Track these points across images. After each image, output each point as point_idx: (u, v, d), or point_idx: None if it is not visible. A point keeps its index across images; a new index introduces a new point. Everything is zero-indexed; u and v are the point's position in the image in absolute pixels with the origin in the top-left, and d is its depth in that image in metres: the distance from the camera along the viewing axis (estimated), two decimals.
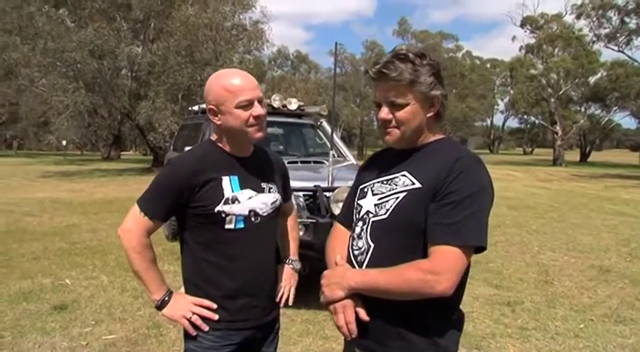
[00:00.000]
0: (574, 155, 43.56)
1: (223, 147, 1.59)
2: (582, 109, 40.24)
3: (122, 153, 38.35)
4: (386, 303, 1.26)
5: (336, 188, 3.99)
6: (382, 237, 1.32)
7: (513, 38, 37.30)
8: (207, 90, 1.53)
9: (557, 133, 34.46)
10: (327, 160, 5.05)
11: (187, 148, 5.17)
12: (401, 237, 1.29)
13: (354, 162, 5.89)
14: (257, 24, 22.93)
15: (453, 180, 1.23)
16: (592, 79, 36.09)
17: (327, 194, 4.02)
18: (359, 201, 1.43)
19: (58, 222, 7.96)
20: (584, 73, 33.34)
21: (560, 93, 34.31)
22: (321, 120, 6.48)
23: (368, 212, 1.37)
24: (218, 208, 1.51)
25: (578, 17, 30.19)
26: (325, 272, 1.38)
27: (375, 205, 1.35)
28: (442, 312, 1.30)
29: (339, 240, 1.47)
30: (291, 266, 1.80)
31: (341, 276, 1.32)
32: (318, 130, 6.48)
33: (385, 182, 1.37)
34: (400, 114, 1.31)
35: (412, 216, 1.27)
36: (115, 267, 5.24)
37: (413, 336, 1.28)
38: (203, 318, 1.54)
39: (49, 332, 3.50)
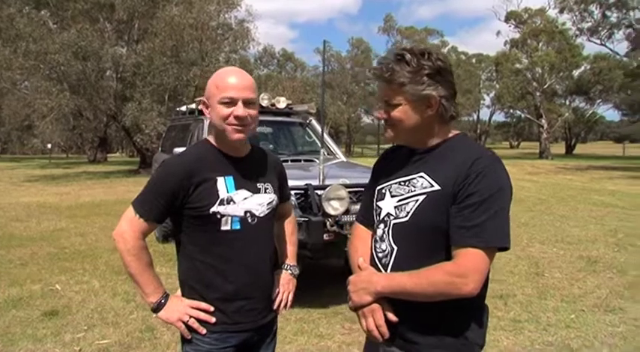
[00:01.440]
0: (560, 148, 44.07)
1: (218, 147, 1.58)
2: (567, 102, 40.69)
3: (108, 155, 37.92)
4: (413, 304, 1.28)
5: (328, 186, 3.99)
6: (404, 239, 1.34)
7: (498, 33, 37.64)
8: (207, 85, 1.56)
9: (542, 126, 34.82)
10: (317, 158, 5.05)
11: (176, 149, 5.14)
12: (423, 240, 1.31)
13: (344, 160, 5.90)
14: (242, 23, 22.85)
15: (472, 182, 1.24)
16: (576, 73, 36.57)
17: (319, 192, 4.01)
18: (378, 203, 1.44)
19: (45, 227, 7.87)
20: (568, 66, 33.73)
21: (545, 86, 34.67)
22: (310, 118, 6.48)
23: (388, 214, 1.38)
24: (213, 209, 1.50)
25: (561, 11, 30.49)
26: (351, 278, 1.39)
27: (395, 207, 1.37)
28: (468, 309, 1.33)
29: (361, 241, 1.50)
30: (289, 272, 1.78)
31: (367, 281, 1.33)
32: (307, 129, 6.47)
33: (403, 183, 1.37)
34: (394, 113, 1.33)
35: (433, 218, 1.28)
36: (105, 271, 5.19)
37: (442, 333, 1.31)
38: (200, 321, 1.53)
39: (40, 339, 3.46)
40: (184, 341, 1.57)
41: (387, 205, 1.39)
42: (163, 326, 3.70)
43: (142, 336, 3.51)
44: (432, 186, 1.30)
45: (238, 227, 1.52)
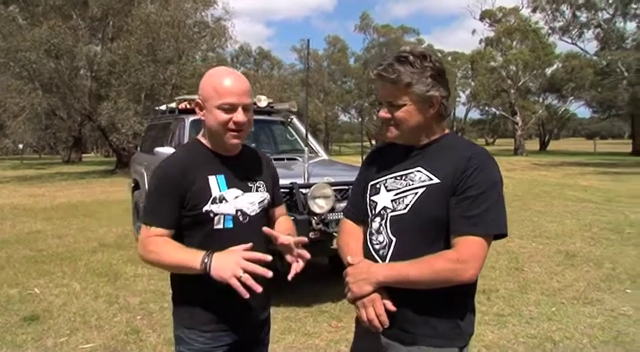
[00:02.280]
0: (534, 144, 44.99)
1: (209, 146, 1.57)
2: (540, 100, 41.58)
3: (83, 155, 37.15)
4: (410, 293, 1.33)
5: (313, 184, 3.99)
6: (403, 231, 1.38)
7: (473, 31, 38.28)
8: (200, 84, 1.54)
9: (517, 123, 35.50)
10: (299, 157, 5.06)
11: (157, 149, 5.06)
12: (422, 230, 1.36)
13: (326, 158, 5.91)
14: (219, 21, 22.61)
15: (470, 175, 1.32)
16: (549, 71, 37.36)
17: (304, 191, 4.01)
18: (372, 198, 1.47)
19: (20, 229, 7.66)
20: (541, 64, 34.50)
21: (520, 84, 35.38)
22: (292, 116, 6.46)
23: (385, 207, 1.42)
24: (206, 208, 1.49)
25: (534, 11, 31.15)
26: (348, 270, 1.41)
27: (392, 201, 1.41)
28: (461, 298, 1.39)
29: (351, 236, 1.53)
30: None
31: (366, 272, 1.36)
32: (289, 127, 6.46)
33: (399, 178, 1.42)
34: (398, 113, 1.37)
35: (433, 210, 1.34)
36: (85, 273, 5.08)
37: (437, 321, 1.36)
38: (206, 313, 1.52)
39: (20, 345, 3.37)
40: (178, 341, 1.57)
41: (383, 199, 1.43)
42: (149, 327, 3.67)
43: (127, 339, 3.46)
44: (432, 179, 1.36)
45: (231, 225, 1.52)
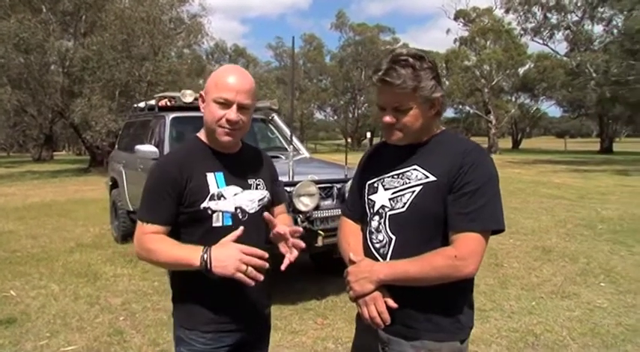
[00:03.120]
0: (507, 143, 45.89)
1: (208, 144, 1.56)
2: (513, 99, 42.41)
3: (54, 153, 36.19)
4: (411, 290, 1.34)
5: (297, 182, 3.99)
6: (402, 229, 1.39)
7: (448, 31, 38.64)
8: (208, 79, 1.55)
9: (491, 122, 36.12)
10: (282, 155, 5.04)
11: (138, 146, 4.97)
12: (421, 228, 1.37)
13: (308, 156, 5.91)
14: (195, 17, 22.31)
15: (467, 172, 1.34)
16: (521, 70, 38.11)
17: (289, 189, 4.00)
18: (370, 197, 1.48)
19: None
20: (514, 64, 35.15)
21: (493, 83, 35.98)
22: (273, 114, 6.43)
23: (383, 206, 1.43)
24: (204, 205, 1.48)
25: (506, 11, 31.64)
26: (350, 269, 1.41)
27: (390, 199, 1.42)
28: (461, 293, 1.42)
29: (352, 234, 1.54)
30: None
31: (368, 271, 1.37)
32: (270, 125, 6.43)
33: (396, 176, 1.43)
34: (405, 119, 1.37)
35: (431, 207, 1.36)
36: (64, 274, 4.97)
37: (437, 317, 1.38)
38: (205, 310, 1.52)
39: None
40: (178, 342, 1.55)
41: (381, 198, 1.45)
42: (132, 328, 3.61)
43: (110, 340, 3.40)
44: (427, 177, 1.37)
45: (230, 223, 1.51)
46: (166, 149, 4.93)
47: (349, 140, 48.64)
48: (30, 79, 17.84)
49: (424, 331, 1.38)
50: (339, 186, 4.28)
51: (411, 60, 1.32)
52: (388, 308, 1.36)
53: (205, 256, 1.37)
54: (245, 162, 1.61)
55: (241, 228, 1.38)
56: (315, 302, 4.19)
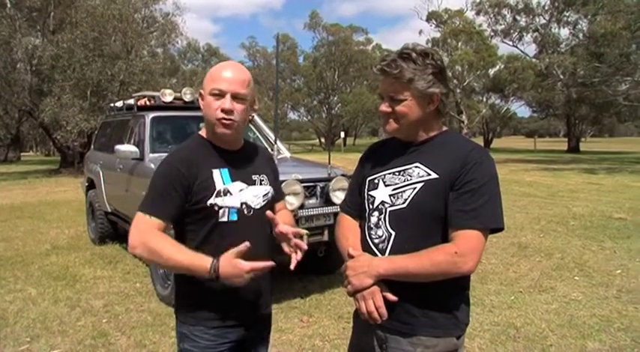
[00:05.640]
0: (478, 142, 46.57)
1: (211, 140, 1.57)
2: (484, 99, 43.26)
3: (22, 154, 35.07)
4: (408, 286, 1.36)
5: (283, 181, 4.00)
6: (402, 225, 1.41)
7: (420, 32, 39.03)
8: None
9: (463, 122, 36.80)
10: None
11: (117, 146, 4.88)
12: (420, 224, 1.39)
13: (288, 156, 5.92)
14: (169, 16, 22.00)
15: (468, 171, 1.36)
16: (492, 71, 38.92)
17: None
18: (370, 192, 1.50)
19: None
20: (485, 65, 35.87)
21: (465, 84, 36.64)
22: (252, 114, 6.42)
23: (383, 202, 1.45)
24: (211, 201, 1.49)
25: (477, 13, 32.24)
26: (349, 263, 1.41)
27: (390, 195, 1.43)
28: (458, 290, 1.44)
29: (350, 230, 1.54)
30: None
31: (367, 265, 1.37)
32: (251, 125, 6.41)
33: (397, 173, 1.45)
34: (399, 107, 1.41)
35: (431, 204, 1.38)
36: (40, 277, 4.85)
37: (434, 313, 1.40)
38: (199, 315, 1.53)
39: None
40: (182, 338, 1.55)
41: (382, 194, 1.46)
42: (117, 330, 3.56)
43: (94, 343, 3.34)
44: (429, 174, 1.40)
45: (235, 218, 1.52)
46: (147, 149, 4.87)
47: (323, 140, 48.76)
48: None
49: (421, 327, 1.39)
50: (322, 185, 4.31)
51: (414, 54, 1.37)
52: (386, 303, 1.36)
53: (213, 272, 1.36)
54: (248, 158, 1.63)
55: (246, 243, 1.36)
56: (300, 300, 4.22)
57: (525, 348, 3.24)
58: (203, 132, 1.60)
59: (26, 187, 14.09)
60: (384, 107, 1.43)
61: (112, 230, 6.09)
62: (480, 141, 48.23)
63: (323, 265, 4.63)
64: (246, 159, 1.61)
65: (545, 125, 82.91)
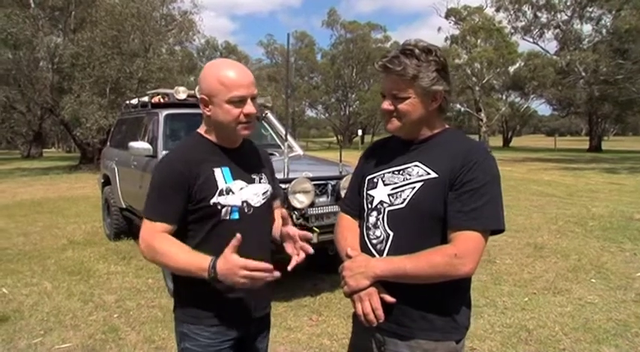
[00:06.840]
0: (497, 141, 46.22)
1: (211, 139, 1.56)
2: (504, 97, 42.68)
3: (44, 150, 35.80)
4: (406, 288, 1.32)
5: (292, 179, 4.00)
6: (400, 225, 1.37)
7: (439, 29, 38.99)
8: (201, 79, 1.51)
9: (482, 120, 36.36)
10: (276, 152, 5.03)
11: (131, 143, 4.94)
12: (419, 225, 1.35)
13: (301, 153, 5.91)
14: (186, 14, 22.19)
15: (469, 170, 1.32)
16: (512, 69, 38.36)
17: (284, 186, 4.01)
18: (369, 192, 1.46)
19: None
20: (505, 62, 35.35)
21: (484, 81, 36.19)
22: (266, 111, 6.42)
23: (382, 202, 1.42)
24: (213, 200, 1.48)
25: (497, 10, 31.85)
26: (346, 264, 1.39)
27: (389, 195, 1.40)
28: (457, 292, 1.40)
29: (349, 230, 1.51)
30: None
31: (364, 266, 1.34)
32: (264, 122, 6.41)
33: (397, 172, 1.42)
34: (401, 106, 1.37)
35: (431, 204, 1.34)
36: (56, 272, 4.93)
37: (433, 316, 1.36)
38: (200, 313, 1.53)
39: None
40: (183, 337, 1.54)
41: (380, 193, 1.43)
42: (127, 325, 3.60)
43: (105, 337, 3.38)
44: (429, 174, 1.36)
45: (237, 217, 1.52)
46: (160, 146, 4.91)
47: (340, 137, 48.69)
48: (19, 75, 17.67)
49: (419, 330, 1.36)
50: (333, 183, 4.29)
51: (416, 51, 1.33)
52: (383, 305, 1.33)
53: (212, 273, 1.35)
54: (247, 156, 1.62)
55: (238, 236, 1.34)
56: (310, 298, 4.21)
57: None
58: (202, 130, 1.59)
59: (47, 183, 14.38)
60: (387, 105, 1.39)
61: (127, 226, 6.17)
62: (499, 139, 47.69)
63: (333, 264, 4.60)
64: (245, 158, 1.61)
65: (567, 123, 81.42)
